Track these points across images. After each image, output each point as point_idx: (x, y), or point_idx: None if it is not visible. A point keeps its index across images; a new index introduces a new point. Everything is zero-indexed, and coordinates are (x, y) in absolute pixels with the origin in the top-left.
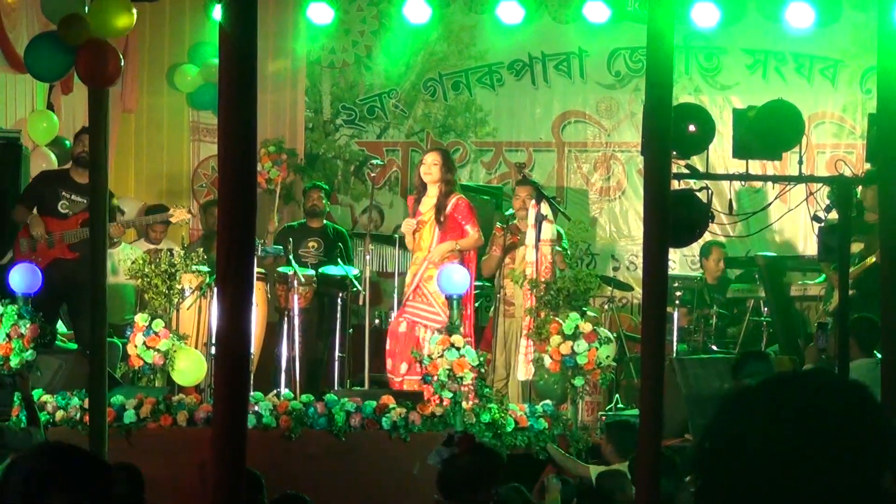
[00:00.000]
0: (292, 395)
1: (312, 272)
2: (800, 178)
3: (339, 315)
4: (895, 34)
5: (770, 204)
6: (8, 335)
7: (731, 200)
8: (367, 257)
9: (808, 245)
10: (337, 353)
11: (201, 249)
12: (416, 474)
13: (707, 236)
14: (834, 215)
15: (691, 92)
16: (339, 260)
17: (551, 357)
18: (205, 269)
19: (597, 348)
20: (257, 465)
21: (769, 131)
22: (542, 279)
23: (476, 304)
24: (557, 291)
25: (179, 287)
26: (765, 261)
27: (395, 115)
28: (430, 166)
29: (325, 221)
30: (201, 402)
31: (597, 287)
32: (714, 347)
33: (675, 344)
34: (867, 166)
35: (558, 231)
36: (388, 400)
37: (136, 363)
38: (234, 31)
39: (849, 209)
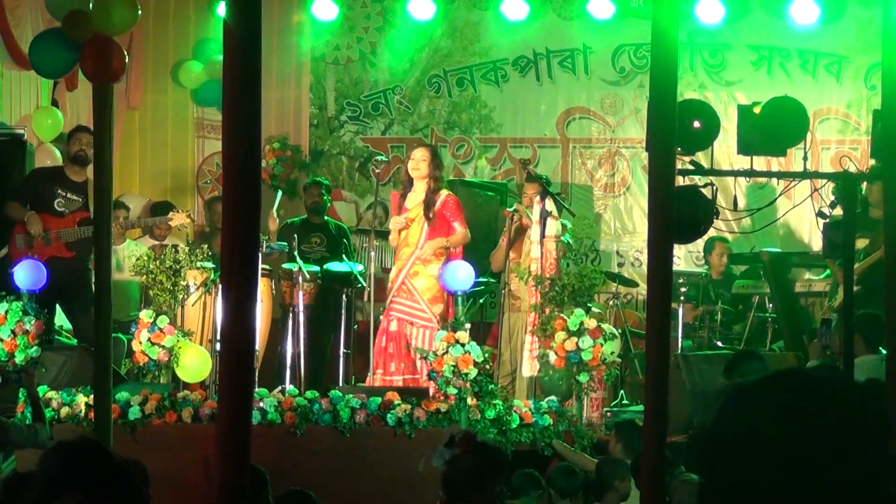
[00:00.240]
0: (297, 391)
1: (317, 268)
2: (804, 175)
3: (343, 311)
4: None
5: (775, 200)
6: (13, 331)
7: (735, 196)
8: (372, 254)
9: (813, 241)
10: (342, 350)
11: (206, 246)
12: (421, 471)
13: (712, 232)
14: (839, 211)
15: (696, 88)
16: (343, 256)
17: (556, 353)
18: (209, 265)
19: (601, 344)
20: (262, 461)
21: (774, 127)
22: (547, 275)
23: (481, 301)
24: (562, 288)
25: (184, 283)
26: (769, 257)
27: (399, 112)
28: (418, 162)
29: (326, 217)
30: (206, 399)
31: (601, 283)
32: (719, 343)
33: (679, 340)
34: (872, 162)
35: (563, 224)
36: (392, 396)
37: (141, 360)
38: (239, 28)
39: (854, 205)
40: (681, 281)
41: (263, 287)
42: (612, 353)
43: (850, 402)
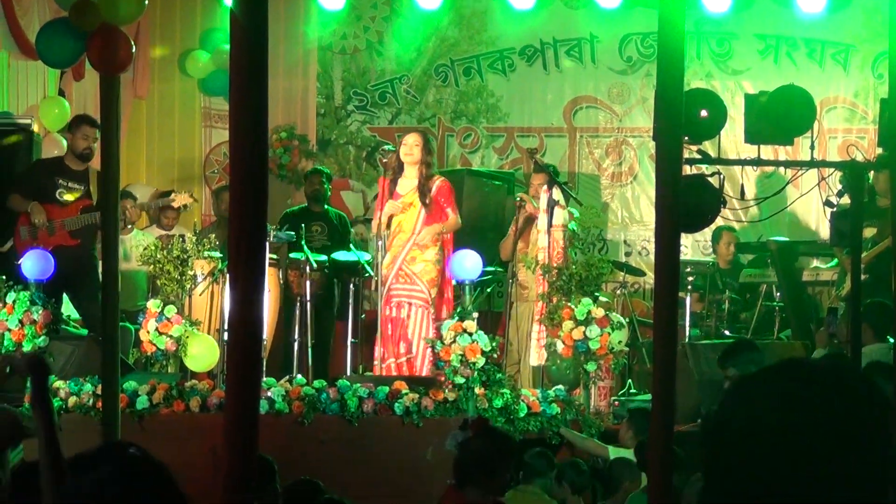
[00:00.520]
0: (305, 380)
1: (324, 258)
2: (812, 164)
3: (350, 301)
4: None
5: (782, 189)
6: (20, 321)
7: (742, 186)
8: (379, 243)
9: (820, 230)
10: (349, 339)
11: (213, 235)
12: (430, 459)
13: (719, 221)
14: (846, 200)
15: (703, 77)
16: (350, 245)
17: (564, 342)
18: (217, 254)
19: (609, 333)
20: (270, 450)
21: (781, 116)
22: (555, 264)
23: (488, 290)
24: (570, 277)
25: (192, 273)
26: (777, 246)
27: (406, 101)
28: (411, 147)
29: (326, 206)
30: (214, 388)
31: (609, 272)
32: (726, 332)
33: (687, 329)
34: (879, 151)
35: (570, 212)
36: (400, 385)
37: (149, 349)
38: (246, 17)
39: (861, 194)
40: (688, 270)
41: (271, 276)
42: (620, 342)
43: (856, 392)
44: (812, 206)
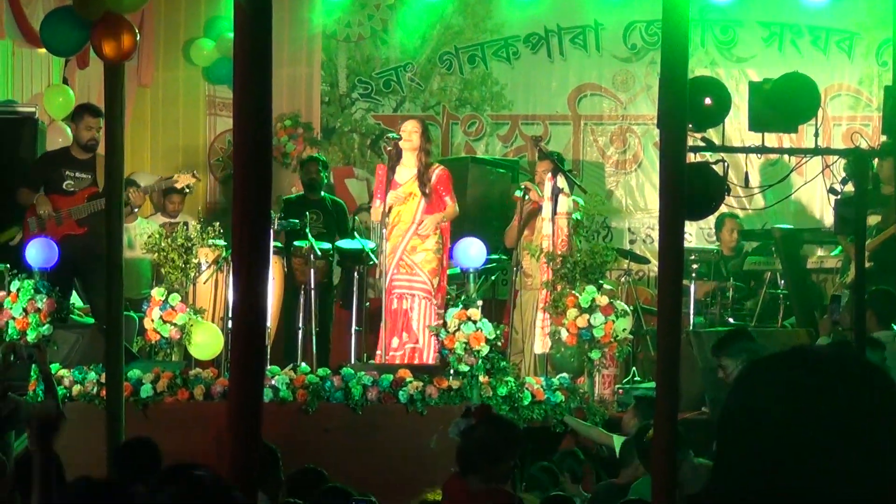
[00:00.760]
0: (309, 368)
1: (328, 245)
2: (816, 151)
3: (354, 289)
4: None
5: (786, 177)
6: (25, 310)
7: (747, 173)
8: (384, 231)
9: (825, 217)
10: (353, 327)
11: (217, 224)
12: (434, 448)
13: (723, 209)
14: (850, 188)
15: (707, 65)
16: (348, 233)
17: (568, 330)
18: (221, 242)
19: (613, 321)
20: (274, 439)
21: (785, 104)
22: (559, 252)
23: (493, 278)
24: (574, 265)
25: (196, 261)
26: (781, 233)
27: (411, 89)
28: (410, 133)
29: (322, 193)
30: (218, 377)
31: (613, 260)
32: (731, 320)
33: (691, 317)
34: (883, 138)
35: (575, 200)
36: (404, 374)
37: (153, 337)
38: (250, 5)
39: (865, 181)
40: (693, 257)
41: (274, 264)
42: (624, 329)
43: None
44: (816, 193)
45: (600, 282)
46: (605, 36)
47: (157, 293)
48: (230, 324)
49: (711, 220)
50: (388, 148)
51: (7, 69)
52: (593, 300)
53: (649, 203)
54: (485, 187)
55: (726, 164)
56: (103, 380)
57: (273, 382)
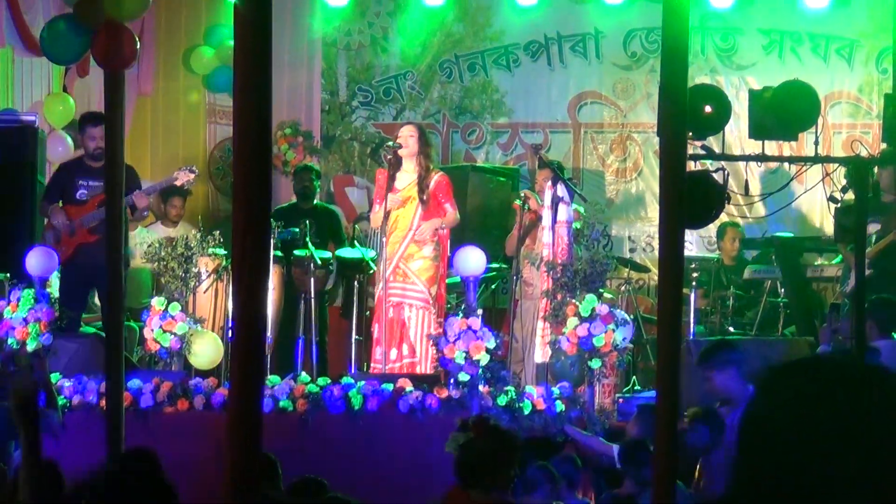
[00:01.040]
0: (309, 378)
1: (329, 254)
2: (816, 159)
3: (355, 298)
4: None
5: (786, 185)
6: (25, 319)
7: (747, 181)
8: (384, 239)
9: (825, 226)
10: (354, 336)
11: (217, 233)
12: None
13: (724, 217)
14: (850, 196)
15: (707, 73)
16: (342, 241)
17: (568, 339)
18: (221, 252)
19: (613, 330)
20: (274, 449)
21: (785, 112)
22: (559, 261)
23: (493, 287)
24: (574, 273)
25: (196, 270)
26: (781, 242)
27: (411, 97)
28: (406, 139)
29: (315, 202)
30: (218, 386)
31: (613, 269)
32: (731, 329)
33: (691, 325)
34: (883, 146)
35: (576, 210)
36: (404, 384)
37: (153, 347)
38: (250, 13)
39: (865, 190)
40: (693, 266)
41: (275, 274)
42: (624, 338)
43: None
44: (816, 201)
45: (600, 290)
46: (605, 44)
47: (158, 303)
48: (230, 333)
49: (712, 228)
50: (389, 156)
51: (7, 77)
52: (593, 309)
53: (649, 211)
54: (485, 195)
55: (726, 172)
56: (103, 389)
57: (273, 392)
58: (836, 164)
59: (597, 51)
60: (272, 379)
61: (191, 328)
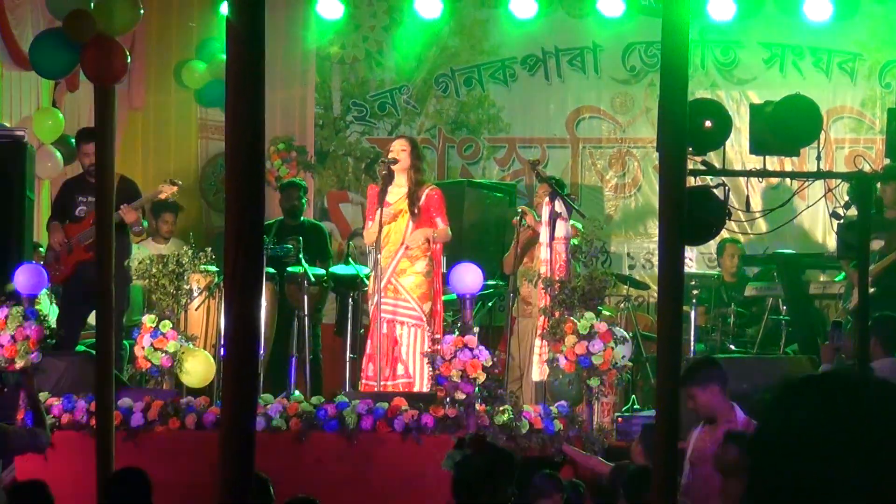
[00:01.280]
0: (302, 396)
1: (322, 272)
2: (818, 174)
3: (349, 315)
4: None
5: (788, 201)
6: (13, 337)
7: (748, 197)
8: (378, 256)
9: (827, 242)
10: (348, 354)
11: (209, 249)
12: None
13: (724, 234)
14: (853, 212)
15: (707, 87)
16: (329, 258)
17: (566, 357)
18: (213, 268)
19: (612, 348)
20: (266, 468)
21: (787, 127)
22: (557, 278)
23: (489, 304)
24: (572, 290)
25: (187, 287)
26: (783, 258)
27: (406, 112)
28: (398, 153)
29: (302, 218)
30: (210, 405)
31: (612, 286)
32: (732, 347)
33: (692, 343)
34: (887, 161)
35: (574, 226)
36: (400, 402)
37: (144, 365)
38: (242, 27)
39: (868, 205)
40: (693, 283)
41: (268, 291)
42: (623, 356)
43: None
44: (819, 217)
45: (599, 308)
46: (604, 58)
47: (148, 320)
48: (222, 351)
49: (712, 245)
50: (384, 172)
51: None
52: (592, 327)
53: (649, 227)
54: (481, 212)
55: (727, 187)
56: (93, 408)
57: (266, 411)
58: (839, 180)
59: (595, 65)
60: (265, 397)
61: (182, 346)
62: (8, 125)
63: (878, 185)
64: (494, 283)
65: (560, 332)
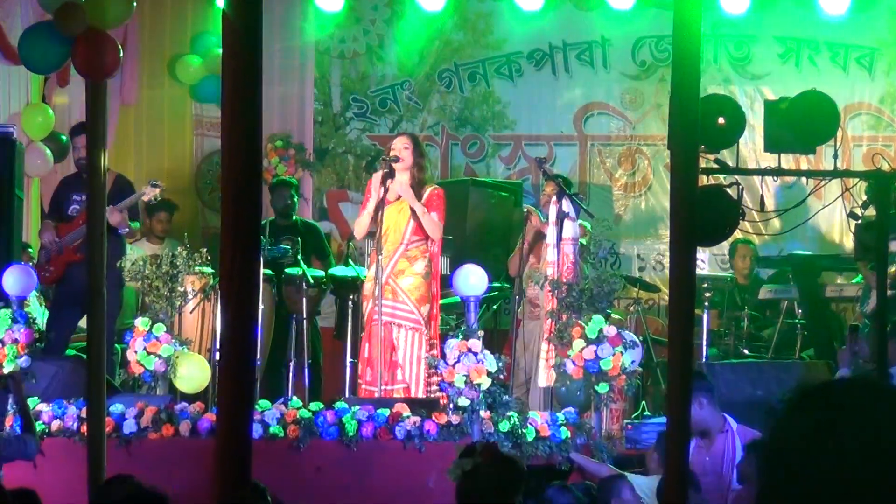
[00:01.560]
0: (300, 403)
1: (321, 273)
2: (835, 173)
3: (349, 318)
4: None
5: (804, 200)
6: (2, 341)
7: (762, 197)
8: (380, 257)
9: (844, 243)
10: (348, 359)
11: (205, 250)
12: (432, 487)
13: (738, 234)
14: (871, 212)
15: (720, 82)
16: (327, 255)
17: (574, 362)
18: (208, 270)
19: (622, 353)
20: (264, 476)
21: (802, 124)
22: (564, 280)
23: (494, 307)
24: (580, 293)
25: (182, 289)
26: (798, 260)
27: (408, 108)
28: (399, 150)
29: (294, 217)
30: (205, 411)
31: (622, 288)
32: (746, 351)
33: (704, 348)
34: None
35: (583, 226)
36: (401, 408)
37: (137, 370)
38: (239, 20)
39: (887, 205)
40: (705, 286)
41: (265, 293)
42: (633, 362)
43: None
44: (836, 218)
45: (608, 311)
46: (613, 52)
47: (142, 323)
48: (218, 356)
49: (725, 246)
50: (385, 170)
51: None
52: (601, 331)
53: (659, 228)
54: (486, 211)
55: (741, 186)
56: (84, 414)
57: (263, 418)
58: (857, 179)
59: (604, 59)
60: (262, 404)
61: (176, 350)
62: None
63: None
64: (500, 285)
65: (567, 336)
